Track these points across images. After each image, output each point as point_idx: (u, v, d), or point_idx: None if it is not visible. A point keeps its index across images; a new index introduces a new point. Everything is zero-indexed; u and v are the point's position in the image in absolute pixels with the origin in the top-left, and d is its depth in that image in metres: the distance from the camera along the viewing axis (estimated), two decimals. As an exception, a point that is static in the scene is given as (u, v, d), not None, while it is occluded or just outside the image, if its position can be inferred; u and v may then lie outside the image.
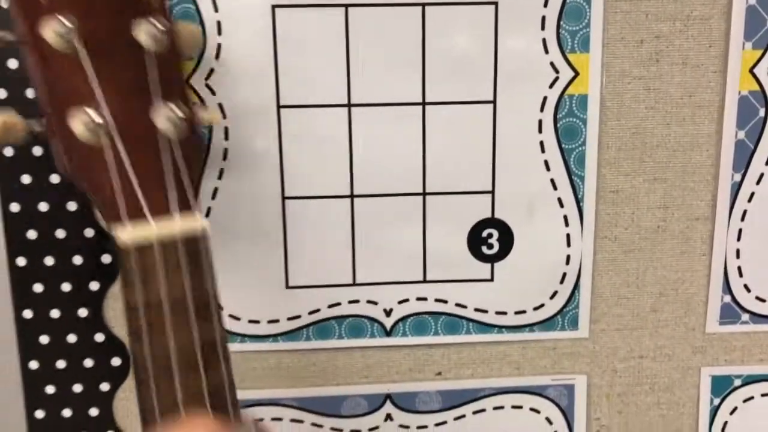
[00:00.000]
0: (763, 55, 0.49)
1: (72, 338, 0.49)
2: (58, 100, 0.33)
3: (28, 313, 0.48)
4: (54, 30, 0.32)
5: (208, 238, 0.35)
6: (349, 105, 0.48)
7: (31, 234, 0.47)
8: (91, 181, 0.34)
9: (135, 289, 0.34)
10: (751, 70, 0.49)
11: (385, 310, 0.52)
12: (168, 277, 0.34)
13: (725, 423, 0.55)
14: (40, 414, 0.50)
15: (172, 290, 0.34)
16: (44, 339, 0.49)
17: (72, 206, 0.47)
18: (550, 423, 0.54)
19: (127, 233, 0.34)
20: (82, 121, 0.33)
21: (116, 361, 0.50)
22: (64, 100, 0.33)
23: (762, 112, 0.50)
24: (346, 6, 0.47)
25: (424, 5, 0.47)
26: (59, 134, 0.33)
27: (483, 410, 0.54)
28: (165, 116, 0.34)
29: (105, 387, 0.50)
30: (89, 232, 0.48)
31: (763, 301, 0.53)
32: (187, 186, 0.35)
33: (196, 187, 0.36)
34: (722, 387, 0.55)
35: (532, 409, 0.54)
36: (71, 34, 0.32)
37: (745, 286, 0.53)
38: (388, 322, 0.52)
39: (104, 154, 0.33)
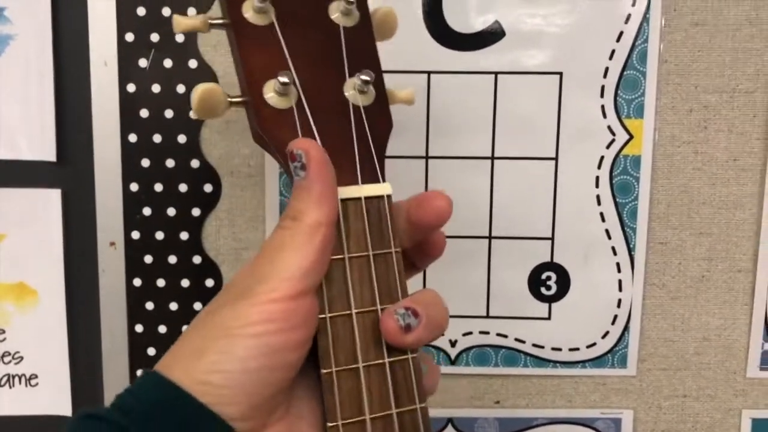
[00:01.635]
0: (802, 125, 0.55)
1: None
2: (255, 72, 0.35)
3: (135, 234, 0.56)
4: (253, 7, 0.35)
5: (391, 203, 0.36)
6: (427, 157, 0.55)
7: (144, 162, 0.55)
8: (281, 146, 0.34)
9: None
10: (791, 139, 0.55)
11: (450, 341, 0.57)
12: (350, 236, 0.35)
13: (764, 464, 0.59)
14: (139, 328, 0.56)
15: (353, 251, 0.35)
16: (148, 258, 0.56)
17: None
18: (598, 454, 0.59)
19: None
20: (274, 88, 0.35)
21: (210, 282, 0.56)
22: (261, 71, 0.35)
23: (801, 177, 0.55)
24: (429, 72, 0.54)
25: (496, 74, 0.54)
26: (256, 101, 0.35)
27: (536, 438, 0.59)
28: (353, 86, 0.36)
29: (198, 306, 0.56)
30: (195, 163, 0.55)
31: (802, 350, 0.57)
32: (373, 155, 0.36)
33: (380, 157, 0.37)
34: (762, 430, 0.59)
35: (581, 440, 0.59)
36: (269, 10, 0.35)
37: (785, 335, 0.57)
38: (453, 352, 0.58)
39: (294, 119, 0.35)
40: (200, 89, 0.35)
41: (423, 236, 0.39)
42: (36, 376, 0.58)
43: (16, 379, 0.58)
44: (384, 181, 0.36)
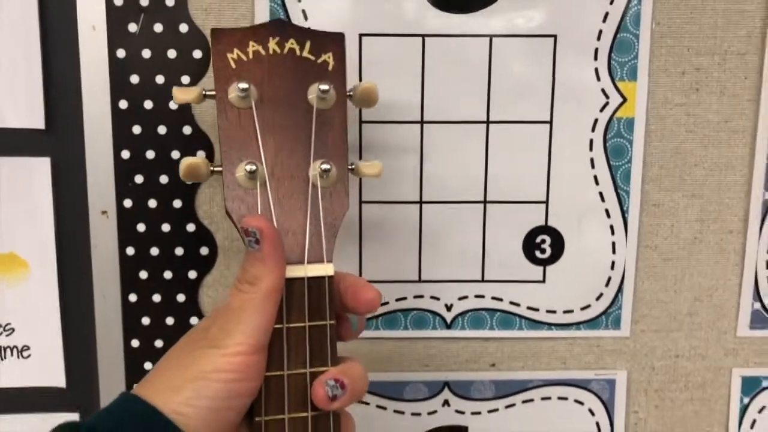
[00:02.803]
0: (793, 86, 0.55)
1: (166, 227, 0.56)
2: (230, 149, 0.41)
3: (128, 203, 0.55)
4: (235, 92, 0.40)
5: (332, 283, 0.41)
6: (422, 122, 0.55)
7: (136, 129, 0.54)
8: (240, 220, 0.40)
9: None
10: (781, 100, 0.55)
11: (446, 305, 0.58)
12: (290, 308, 0.40)
13: (754, 421, 0.60)
14: (133, 297, 0.56)
15: (292, 321, 0.40)
16: (141, 227, 0.55)
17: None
18: (593, 414, 0.60)
19: None
20: (244, 170, 0.40)
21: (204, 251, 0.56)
22: (234, 150, 0.41)
23: (791, 138, 0.56)
24: (423, 36, 0.54)
25: (491, 37, 0.54)
26: (226, 178, 0.41)
27: (531, 400, 0.59)
28: (317, 171, 0.41)
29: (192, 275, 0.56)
30: (187, 129, 0.55)
31: (790, 309, 0.58)
32: (324, 235, 0.41)
33: (330, 238, 0.41)
34: (752, 387, 0.60)
35: (576, 401, 0.59)
36: (247, 95, 0.40)
37: (774, 294, 0.58)
38: (449, 316, 0.58)
39: (257, 200, 0.41)
40: (185, 163, 0.41)
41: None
42: (28, 348, 0.57)
43: (8, 350, 0.57)
44: (330, 261, 0.41)
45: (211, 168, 0.41)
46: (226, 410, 0.38)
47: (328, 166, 0.41)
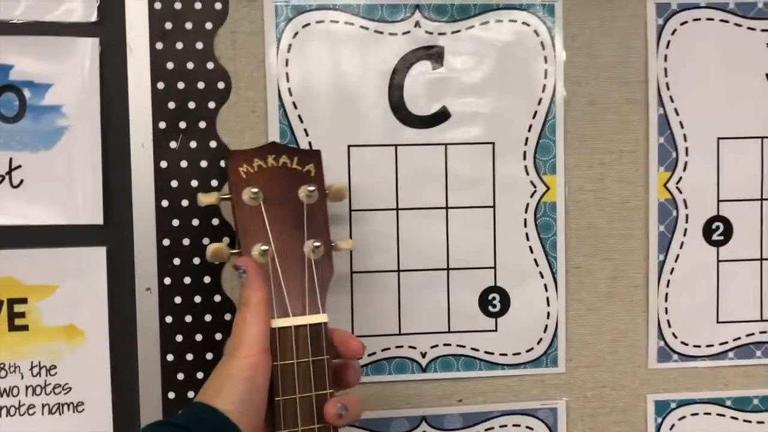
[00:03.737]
0: (672, 175, 0.74)
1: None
2: (246, 236, 0.57)
3: (167, 280, 0.69)
4: (248, 195, 0.57)
5: (327, 327, 0.56)
6: (397, 209, 0.72)
7: (174, 222, 0.69)
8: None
9: (277, 356, 0.55)
10: (665, 185, 0.74)
11: (421, 353, 0.73)
12: (297, 347, 0.55)
13: (667, 436, 0.76)
14: (170, 357, 0.67)
15: (300, 355, 0.55)
16: (178, 299, 0.69)
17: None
18: (541, 437, 0.74)
19: (275, 322, 0.56)
20: (258, 251, 0.56)
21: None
22: (249, 236, 0.57)
23: (674, 213, 0.74)
24: (396, 145, 0.71)
25: (446, 145, 0.72)
26: (245, 257, 0.57)
27: (492, 428, 0.74)
28: (309, 248, 0.57)
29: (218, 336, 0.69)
30: (215, 221, 0.69)
31: (687, 344, 0.75)
32: (318, 293, 0.57)
33: (323, 294, 0.57)
34: (663, 409, 0.75)
35: (527, 427, 0.74)
36: (257, 197, 0.57)
37: (673, 333, 0.75)
38: (424, 362, 0.73)
39: (269, 271, 0.56)
40: (211, 248, 0.58)
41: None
42: (82, 403, 0.70)
43: (65, 406, 0.70)
44: (323, 311, 0.57)
45: (230, 251, 0.58)
46: (253, 401, 0.53)
47: (318, 244, 0.57)
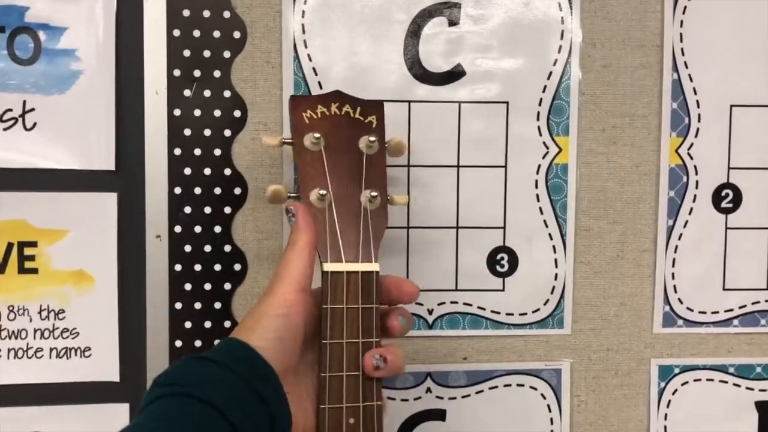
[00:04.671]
0: (683, 141, 0.74)
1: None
2: (305, 180, 0.57)
3: (178, 228, 0.69)
4: (310, 140, 0.57)
5: (378, 276, 0.56)
6: (408, 166, 0.72)
7: (186, 170, 0.69)
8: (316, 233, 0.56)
9: (327, 299, 0.55)
10: (676, 150, 0.74)
11: (428, 310, 0.73)
12: (348, 293, 0.55)
13: (669, 401, 0.76)
14: (178, 305, 0.70)
15: (350, 301, 0.55)
16: (188, 248, 0.69)
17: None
18: (544, 398, 0.75)
19: (328, 266, 0.56)
20: (316, 195, 0.56)
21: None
22: (309, 180, 0.57)
23: (685, 179, 0.74)
24: (409, 102, 0.71)
25: (460, 103, 0.72)
26: (303, 201, 0.56)
27: (496, 387, 0.74)
28: (366, 197, 0.57)
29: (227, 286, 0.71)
30: (227, 171, 0.69)
31: (692, 310, 0.75)
32: (369, 241, 0.57)
33: (376, 245, 0.57)
34: (666, 374, 0.76)
35: (531, 387, 0.75)
36: (319, 142, 0.57)
37: (679, 299, 0.75)
38: (430, 319, 0.73)
39: (324, 217, 0.56)
40: (272, 188, 0.58)
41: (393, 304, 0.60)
42: (89, 348, 0.70)
43: (72, 351, 0.70)
44: (376, 261, 0.57)
45: (289, 194, 0.58)
46: (287, 338, 0.52)
47: (375, 194, 0.57)
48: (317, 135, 0.57)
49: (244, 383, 0.49)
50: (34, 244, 0.69)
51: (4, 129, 0.67)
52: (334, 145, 0.58)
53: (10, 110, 0.67)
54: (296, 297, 0.53)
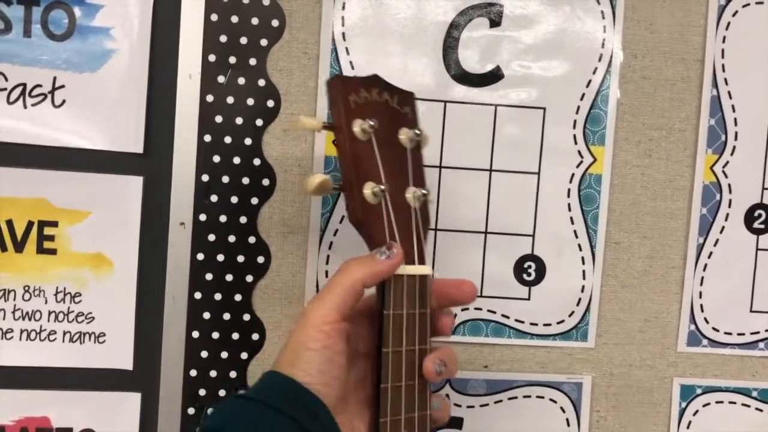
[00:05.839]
0: (719, 158, 0.73)
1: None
2: (358, 171, 0.51)
3: (203, 217, 0.68)
4: (361, 127, 0.52)
5: (432, 279, 0.54)
6: (440, 167, 0.70)
7: (215, 158, 0.67)
8: (370, 229, 0.52)
9: (390, 303, 0.52)
10: (711, 168, 0.73)
11: (451, 315, 0.72)
12: (407, 298, 0.52)
13: (689, 422, 0.75)
14: (198, 295, 0.68)
15: (409, 306, 0.52)
16: (211, 237, 0.68)
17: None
18: (563, 411, 0.73)
19: None
20: (371, 189, 0.51)
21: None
22: (361, 172, 0.51)
23: (718, 197, 0.73)
24: (445, 102, 0.70)
25: (496, 106, 0.70)
26: (355, 194, 0.51)
27: (515, 397, 0.73)
28: (413, 195, 0.53)
29: (249, 278, 0.69)
30: (257, 161, 0.68)
31: (718, 331, 0.74)
32: (422, 241, 0.53)
33: (424, 246, 0.54)
34: (688, 394, 0.75)
35: (551, 399, 0.73)
36: (371, 131, 0.52)
37: (705, 319, 0.74)
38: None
39: (381, 213, 0.52)
40: (318, 179, 0.52)
41: (445, 306, 0.57)
42: (104, 335, 0.69)
43: (87, 336, 0.68)
44: (426, 263, 0.54)
45: (333, 185, 0.52)
46: (330, 370, 0.50)
47: (425, 191, 0.54)
48: (372, 123, 0.51)
49: (294, 425, 0.47)
50: (54, 224, 0.67)
51: (33, 104, 0.65)
52: (380, 136, 0.52)
53: (40, 86, 0.66)
54: (332, 328, 0.50)
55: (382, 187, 0.51)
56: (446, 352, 0.54)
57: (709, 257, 0.73)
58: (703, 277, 0.73)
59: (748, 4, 0.72)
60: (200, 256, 0.68)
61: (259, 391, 0.50)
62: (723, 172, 0.73)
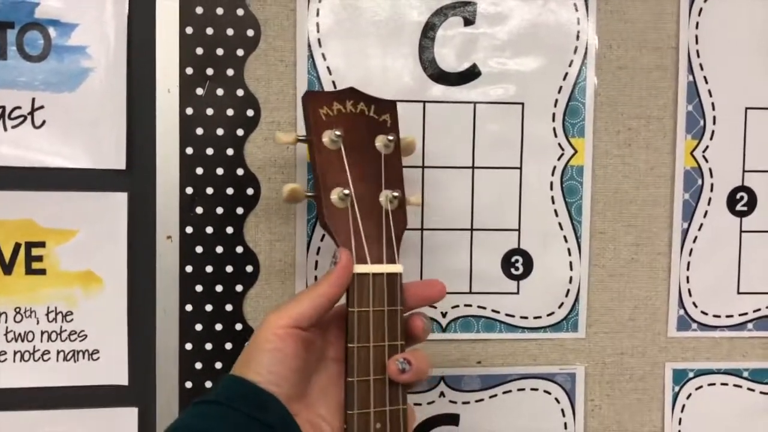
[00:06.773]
0: (698, 143, 0.73)
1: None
2: (325, 179, 0.55)
3: (189, 229, 0.68)
4: (329, 137, 0.55)
5: (401, 279, 0.55)
6: (423, 167, 0.71)
7: (198, 170, 0.68)
8: (338, 232, 0.55)
9: (354, 302, 0.54)
10: (691, 153, 0.73)
11: (441, 313, 0.72)
12: (374, 296, 0.54)
13: (683, 405, 0.75)
14: (189, 307, 0.69)
15: (376, 304, 0.54)
16: (199, 249, 0.68)
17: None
18: (558, 402, 0.74)
19: (354, 268, 0.54)
20: (338, 194, 0.54)
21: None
22: (329, 179, 0.55)
23: (700, 182, 0.74)
24: (424, 102, 0.70)
25: (475, 103, 0.71)
26: (323, 200, 0.55)
27: (510, 391, 0.73)
28: (386, 197, 0.56)
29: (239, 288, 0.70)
30: (240, 171, 0.69)
31: (706, 314, 0.75)
32: (392, 242, 0.56)
33: (398, 245, 0.56)
34: (680, 378, 0.75)
35: (545, 391, 0.74)
36: (339, 140, 0.55)
37: (694, 303, 0.75)
38: (444, 322, 0.72)
39: (347, 217, 0.55)
40: (289, 187, 0.56)
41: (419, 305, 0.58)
42: (98, 351, 0.69)
43: (80, 354, 0.69)
44: (398, 262, 0.55)
45: (306, 193, 0.56)
46: (281, 371, 0.52)
47: (397, 194, 0.56)
48: (338, 132, 0.55)
49: (245, 417, 0.50)
50: (41, 245, 0.67)
51: (13, 126, 0.66)
52: (352, 144, 0.56)
53: (19, 108, 0.66)
54: (286, 332, 0.52)
55: (347, 191, 0.54)
56: (415, 354, 0.55)
57: (694, 242, 0.74)
58: (689, 262, 0.74)
59: (719, -10, 0.72)
60: (189, 269, 0.69)
61: (213, 393, 0.53)
62: (703, 156, 0.74)
